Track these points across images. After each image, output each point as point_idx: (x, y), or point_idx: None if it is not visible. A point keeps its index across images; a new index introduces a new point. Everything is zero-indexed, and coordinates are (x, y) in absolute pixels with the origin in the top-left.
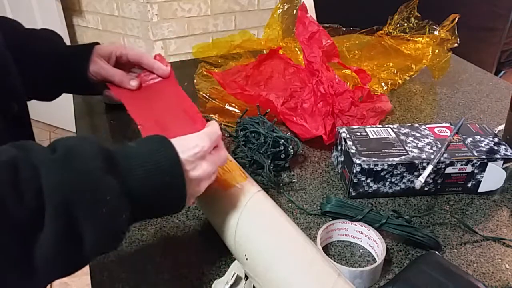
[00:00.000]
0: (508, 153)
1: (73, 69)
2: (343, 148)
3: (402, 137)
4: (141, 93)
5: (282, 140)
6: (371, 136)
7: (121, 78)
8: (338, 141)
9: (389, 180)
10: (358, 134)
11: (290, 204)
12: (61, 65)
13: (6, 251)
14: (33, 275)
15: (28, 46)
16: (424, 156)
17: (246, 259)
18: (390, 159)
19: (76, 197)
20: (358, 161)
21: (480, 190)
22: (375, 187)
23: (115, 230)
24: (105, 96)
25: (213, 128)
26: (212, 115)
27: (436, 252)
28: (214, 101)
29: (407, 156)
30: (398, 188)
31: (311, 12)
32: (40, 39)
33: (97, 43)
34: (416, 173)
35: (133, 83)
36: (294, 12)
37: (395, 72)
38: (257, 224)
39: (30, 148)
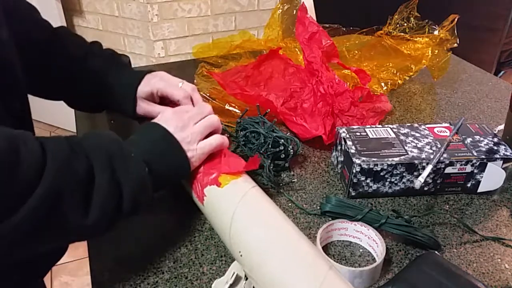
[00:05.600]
0: (508, 153)
1: (120, 106)
2: (342, 148)
3: (402, 137)
4: None
5: (282, 140)
6: (370, 136)
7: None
8: (338, 141)
9: (388, 180)
10: (358, 134)
11: (290, 204)
12: (109, 99)
13: (74, 197)
14: (88, 214)
15: (86, 63)
16: (423, 156)
17: (241, 255)
18: (390, 159)
19: (111, 152)
20: (357, 161)
21: (479, 190)
22: (374, 187)
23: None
24: None
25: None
26: None
27: (436, 252)
28: (214, 101)
29: (406, 156)
30: (398, 188)
31: (311, 13)
32: (99, 61)
33: (140, 81)
34: (415, 173)
35: None
36: (294, 12)
37: (395, 72)
38: (250, 220)
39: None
